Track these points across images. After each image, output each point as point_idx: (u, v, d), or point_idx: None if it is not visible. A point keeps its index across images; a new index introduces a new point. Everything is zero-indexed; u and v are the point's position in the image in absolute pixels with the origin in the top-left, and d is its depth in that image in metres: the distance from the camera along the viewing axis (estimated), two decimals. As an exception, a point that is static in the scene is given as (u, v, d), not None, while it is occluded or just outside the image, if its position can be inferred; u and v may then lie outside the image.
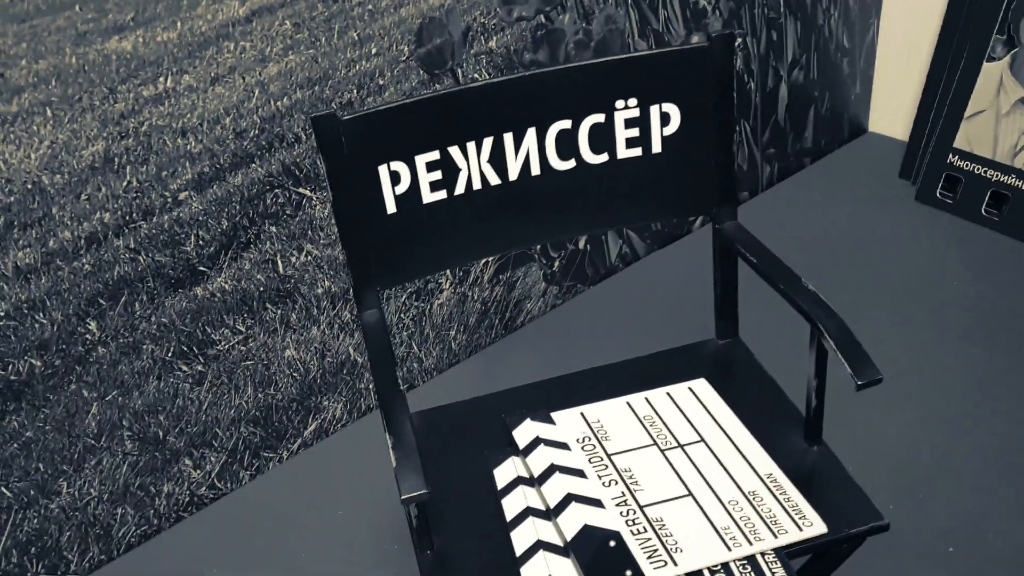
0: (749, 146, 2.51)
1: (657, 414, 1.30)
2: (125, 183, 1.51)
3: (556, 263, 2.21)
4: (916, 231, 2.37)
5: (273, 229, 1.70)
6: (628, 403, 1.33)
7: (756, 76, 2.42)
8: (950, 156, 2.37)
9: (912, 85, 2.62)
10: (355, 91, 1.74)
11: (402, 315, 1.95)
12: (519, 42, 1.93)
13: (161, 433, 1.69)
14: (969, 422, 1.81)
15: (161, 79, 1.50)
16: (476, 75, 1.89)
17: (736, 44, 2.32)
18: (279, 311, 1.76)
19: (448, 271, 2.00)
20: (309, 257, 1.77)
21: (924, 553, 1.58)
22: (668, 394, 1.34)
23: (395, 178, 1.20)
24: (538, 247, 2.15)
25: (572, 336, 2.15)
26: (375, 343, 1.17)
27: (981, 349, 1.98)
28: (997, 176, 2.29)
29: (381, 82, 1.77)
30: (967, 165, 2.34)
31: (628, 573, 1.07)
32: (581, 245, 2.24)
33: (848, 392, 1.84)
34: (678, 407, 1.31)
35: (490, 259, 2.08)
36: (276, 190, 1.69)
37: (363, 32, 1.72)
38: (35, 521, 1.59)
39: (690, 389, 1.34)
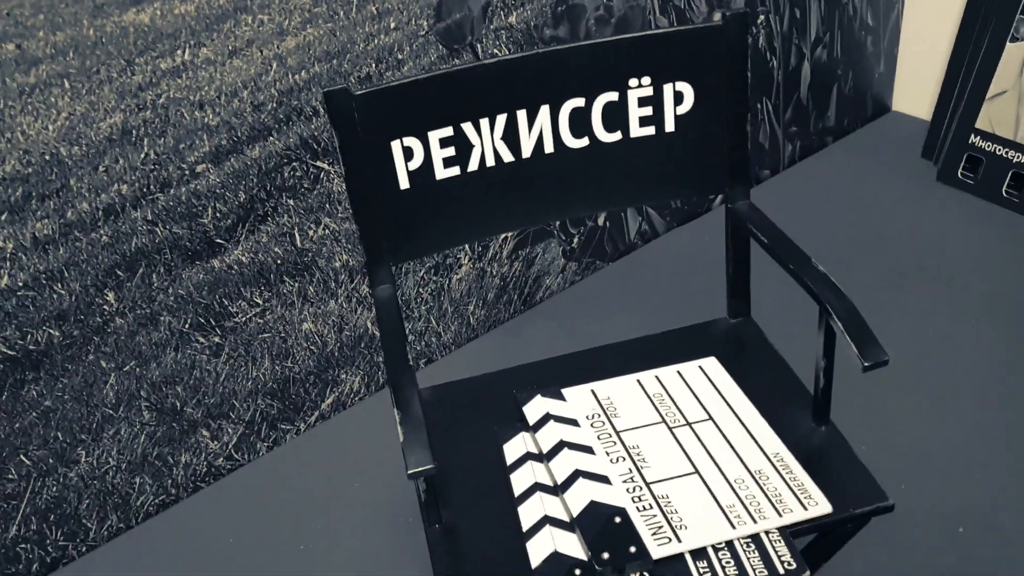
0: (771, 124, 2.49)
1: (667, 392, 1.31)
2: (143, 155, 1.53)
3: (575, 239, 2.21)
4: (937, 211, 2.35)
5: (291, 202, 1.71)
6: (639, 380, 1.33)
7: (779, 54, 2.40)
8: (972, 137, 2.35)
9: (936, 65, 2.58)
10: (373, 65, 1.74)
11: (420, 289, 1.96)
12: (539, 17, 1.93)
13: (178, 404, 1.71)
14: (984, 403, 1.80)
15: (179, 52, 1.51)
16: (496, 50, 1.89)
17: (758, 21, 2.30)
18: (296, 284, 1.78)
19: (467, 246, 2.01)
20: (327, 230, 1.78)
21: (934, 533, 1.57)
22: (678, 372, 1.34)
23: (408, 154, 1.21)
24: (557, 223, 2.15)
25: (590, 312, 2.16)
26: (386, 318, 1.18)
27: (998, 330, 1.96)
28: (1018, 157, 2.26)
29: (400, 56, 1.77)
30: (989, 146, 2.32)
31: (632, 549, 1.08)
32: (600, 222, 2.24)
33: (862, 372, 1.83)
34: (688, 385, 1.31)
35: (509, 235, 2.08)
36: (294, 163, 1.70)
37: (382, 6, 1.72)
38: (54, 489, 1.62)
39: (700, 367, 1.34)
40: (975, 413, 1.79)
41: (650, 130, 1.28)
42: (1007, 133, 2.28)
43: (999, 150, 2.30)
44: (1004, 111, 2.28)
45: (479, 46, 1.86)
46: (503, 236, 2.07)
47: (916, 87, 2.70)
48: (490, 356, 2.06)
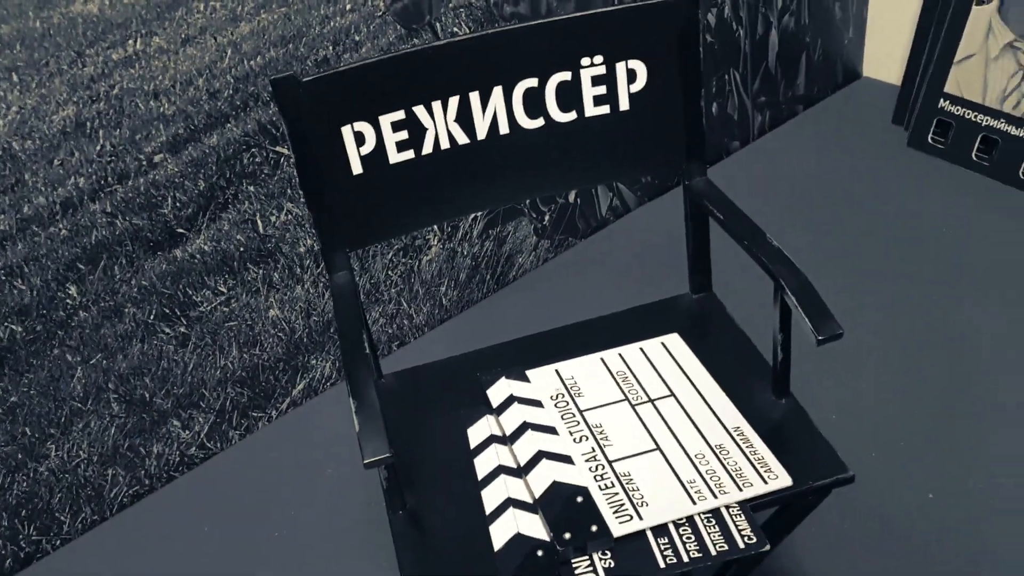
0: (739, 95, 2.48)
1: (630, 369, 1.31)
2: (98, 147, 1.51)
3: (546, 217, 2.20)
4: (908, 177, 2.35)
5: (251, 188, 1.70)
6: (602, 359, 1.34)
7: (745, 23, 2.38)
8: (941, 101, 2.34)
9: (905, 30, 2.57)
10: (331, 48, 1.72)
11: (390, 272, 1.96)
12: (499, -6, 1.91)
13: (148, 395, 1.71)
14: (954, 370, 1.81)
15: (130, 41, 1.49)
16: (455, 29, 1.87)
17: (723, -9, 2.28)
18: (261, 271, 1.77)
19: (436, 227, 2.00)
20: (289, 216, 1.77)
21: (904, 501, 1.59)
22: (641, 349, 1.34)
23: (360, 139, 1.20)
24: (527, 201, 2.15)
25: (564, 290, 2.16)
26: (342, 307, 1.17)
27: (967, 295, 1.97)
28: (987, 121, 2.27)
29: (357, 38, 1.75)
30: (958, 110, 2.32)
31: (594, 528, 1.08)
32: (571, 199, 2.24)
33: (834, 344, 1.84)
34: (650, 362, 1.31)
35: (479, 214, 2.07)
36: (253, 149, 1.68)
37: (338, -12, 1.70)
38: (24, 484, 1.62)
39: (663, 344, 1.34)
40: (943, 380, 1.80)
41: (604, 109, 1.27)
42: (975, 97, 2.28)
43: (968, 114, 2.30)
44: (972, 75, 2.28)
45: (438, 25, 1.84)
46: (473, 216, 2.06)
47: (886, 53, 2.70)
48: (463, 337, 2.06)
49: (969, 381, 1.79)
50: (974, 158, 2.31)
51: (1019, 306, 1.94)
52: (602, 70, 1.25)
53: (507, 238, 2.15)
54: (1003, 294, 1.97)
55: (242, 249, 1.73)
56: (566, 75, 1.25)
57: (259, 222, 1.73)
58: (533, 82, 1.25)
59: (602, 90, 1.26)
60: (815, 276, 1.24)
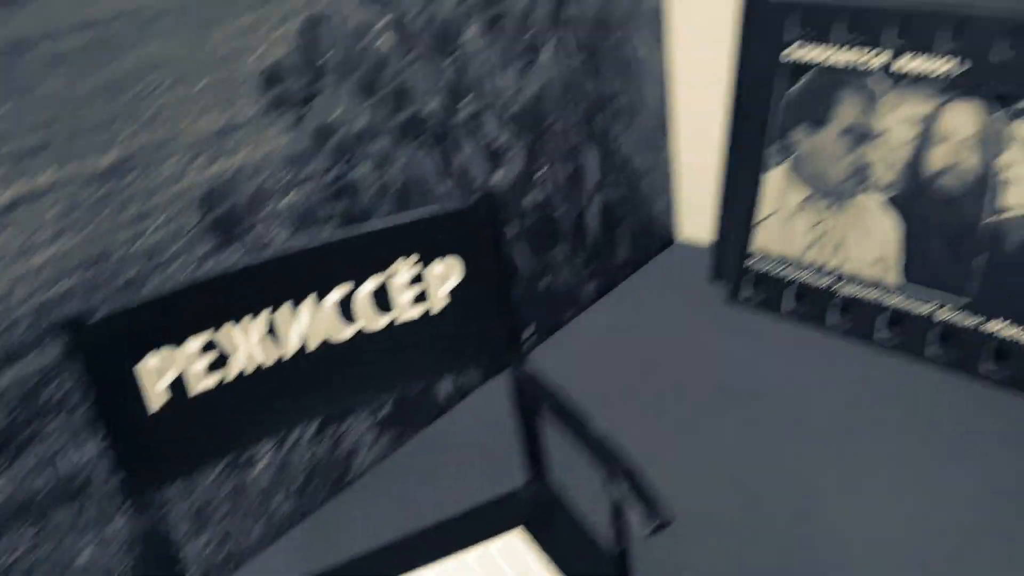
0: (564, 271, 2.55)
1: (472, 577, 1.25)
2: None
3: (383, 409, 2.15)
4: (729, 332, 2.44)
5: (55, 423, 1.58)
6: (444, 572, 1.27)
7: (563, 202, 2.48)
8: (750, 259, 2.47)
9: (710, 195, 2.74)
10: (140, 267, 1.66)
11: (217, 490, 1.84)
12: (314, 196, 1.91)
13: (-58, 669, 1.51)
14: (800, 526, 1.83)
15: (-90, 282, 1.39)
16: (270, 236, 1.85)
17: (535, 177, 2.38)
18: (71, 510, 1.63)
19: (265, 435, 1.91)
20: (101, 445, 1.65)
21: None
22: (483, 554, 1.29)
23: (158, 372, 1.14)
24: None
25: (406, 487, 2.08)
26: (150, 554, 1.08)
27: (797, 451, 2.01)
28: (794, 274, 2.40)
29: (168, 253, 1.70)
30: (766, 266, 2.45)
31: None
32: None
33: (681, 523, 1.83)
34: (492, 568, 1.26)
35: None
36: (56, 381, 1.58)
37: (143, 207, 1.65)
38: None
39: (504, 544, 1.29)
40: (792, 543, 1.81)
41: (420, 309, 1.26)
42: (781, 252, 2.42)
43: (776, 269, 2.43)
44: (775, 231, 2.42)
45: (253, 232, 1.82)
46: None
47: (697, 217, 2.85)
48: (302, 550, 1.94)
49: (811, 539, 1.80)
50: (787, 309, 2.42)
51: (842, 453, 1.99)
52: (415, 271, 1.25)
53: (343, 437, 2.08)
54: (827, 442, 2.02)
55: (49, 489, 1.59)
56: (378, 280, 1.24)
57: (66, 458, 1.60)
58: (344, 290, 1.23)
59: (416, 291, 1.26)
60: (646, 450, 1.24)
